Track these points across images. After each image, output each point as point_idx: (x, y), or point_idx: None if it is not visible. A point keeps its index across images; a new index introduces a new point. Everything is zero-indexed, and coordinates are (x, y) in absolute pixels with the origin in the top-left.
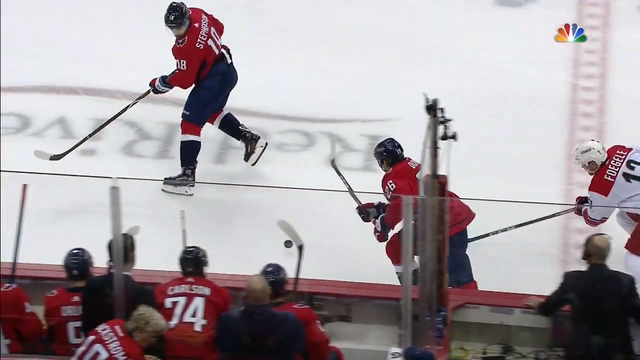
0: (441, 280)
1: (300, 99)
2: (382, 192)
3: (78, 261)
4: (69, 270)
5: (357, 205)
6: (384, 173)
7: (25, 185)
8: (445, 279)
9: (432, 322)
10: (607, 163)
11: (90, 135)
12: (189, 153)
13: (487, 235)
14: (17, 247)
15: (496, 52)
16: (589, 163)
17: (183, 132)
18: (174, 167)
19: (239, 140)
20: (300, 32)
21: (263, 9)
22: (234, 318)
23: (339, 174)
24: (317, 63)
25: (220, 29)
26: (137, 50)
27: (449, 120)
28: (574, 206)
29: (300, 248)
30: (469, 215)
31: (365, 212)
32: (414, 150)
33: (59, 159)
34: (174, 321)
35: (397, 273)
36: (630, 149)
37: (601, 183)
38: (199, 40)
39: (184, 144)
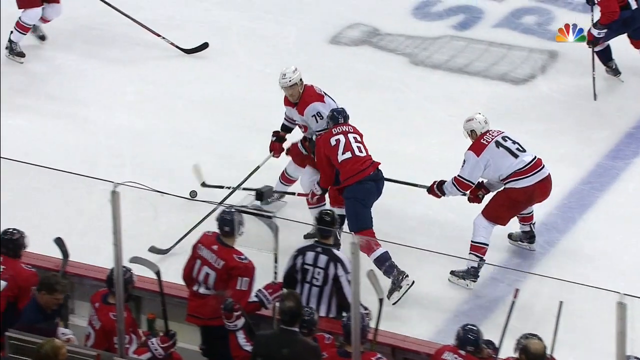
0: None
1: None
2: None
3: None
4: None
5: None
6: None
7: None
8: None
9: None
10: (485, 133)
11: None
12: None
13: None
14: None
15: None
16: (470, 131)
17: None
18: None
19: (608, 63)
20: None
21: None
22: None
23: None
24: None
25: None
26: None
27: None
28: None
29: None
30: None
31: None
32: None
33: None
34: None
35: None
36: (502, 132)
37: (478, 145)
38: None
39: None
